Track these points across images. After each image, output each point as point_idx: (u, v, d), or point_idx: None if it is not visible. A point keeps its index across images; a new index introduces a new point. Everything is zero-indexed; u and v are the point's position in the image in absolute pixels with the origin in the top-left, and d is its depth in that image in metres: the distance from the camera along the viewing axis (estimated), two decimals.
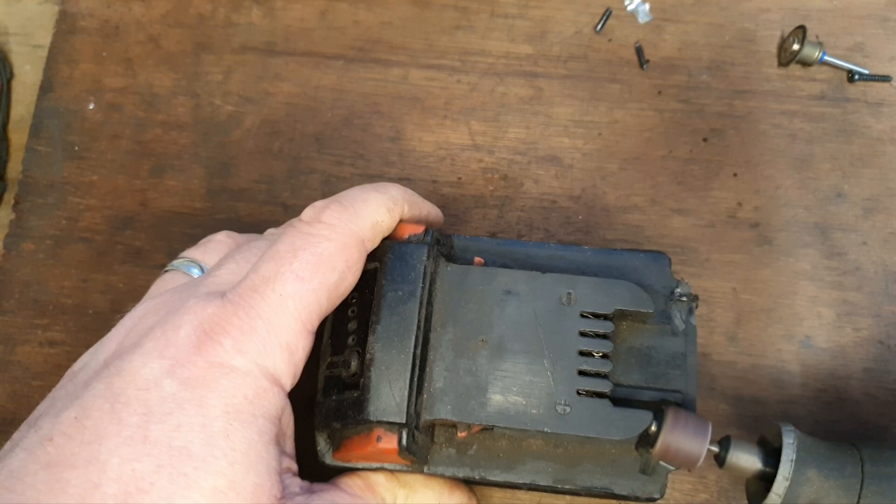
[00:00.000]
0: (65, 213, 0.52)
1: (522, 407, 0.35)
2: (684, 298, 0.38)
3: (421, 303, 0.36)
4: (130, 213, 0.52)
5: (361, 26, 0.56)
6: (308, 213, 0.36)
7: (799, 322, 0.48)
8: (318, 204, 0.36)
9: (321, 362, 0.38)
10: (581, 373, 0.36)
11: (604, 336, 0.36)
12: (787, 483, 0.37)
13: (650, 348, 0.38)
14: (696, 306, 0.39)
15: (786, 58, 0.53)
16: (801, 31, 0.52)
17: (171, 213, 0.52)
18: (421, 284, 0.36)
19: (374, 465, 0.36)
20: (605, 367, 0.36)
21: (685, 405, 0.37)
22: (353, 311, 0.38)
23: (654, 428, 0.36)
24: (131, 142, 0.54)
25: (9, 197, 0.54)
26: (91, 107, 0.54)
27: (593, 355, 0.36)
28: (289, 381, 0.34)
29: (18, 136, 0.55)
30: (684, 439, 0.35)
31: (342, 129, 0.54)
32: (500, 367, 0.36)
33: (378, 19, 0.56)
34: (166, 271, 0.40)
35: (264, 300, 0.33)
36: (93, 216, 0.52)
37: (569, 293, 0.37)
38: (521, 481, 0.36)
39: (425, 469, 0.36)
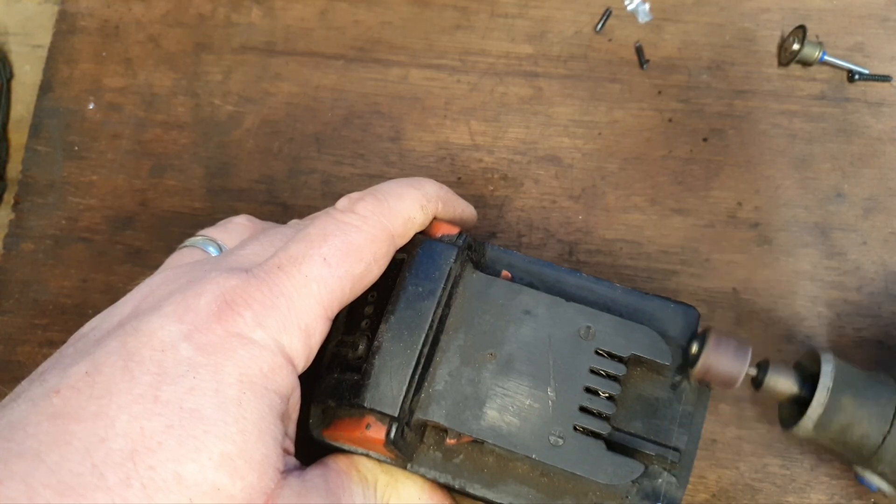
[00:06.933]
0: (65, 213, 0.52)
1: (516, 428, 0.35)
2: None
3: (439, 303, 0.36)
4: (130, 213, 0.52)
5: (361, 26, 0.56)
6: (343, 202, 0.37)
7: (799, 322, 0.48)
8: (354, 195, 0.37)
9: (332, 337, 0.38)
10: (582, 409, 0.35)
11: (614, 378, 0.36)
12: (822, 409, 0.38)
13: (658, 401, 0.37)
14: None
15: (786, 58, 0.53)
16: (801, 31, 0.52)
17: (171, 213, 0.52)
18: (442, 285, 0.36)
19: (360, 450, 0.36)
20: (607, 409, 0.35)
21: (680, 467, 0.36)
22: (372, 296, 0.38)
23: (695, 349, 0.36)
24: (131, 142, 0.54)
25: (9, 197, 0.54)
26: (91, 107, 0.54)
27: (599, 394, 0.35)
28: (302, 363, 0.33)
29: (18, 136, 0.55)
30: (725, 360, 0.35)
31: (342, 129, 0.54)
32: (503, 383, 0.36)
33: (378, 19, 0.56)
34: (183, 247, 0.40)
35: (290, 279, 0.33)
36: (93, 216, 0.52)
37: (588, 327, 0.36)
38: (499, 501, 0.36)
39: (408, 466, 0.36)
